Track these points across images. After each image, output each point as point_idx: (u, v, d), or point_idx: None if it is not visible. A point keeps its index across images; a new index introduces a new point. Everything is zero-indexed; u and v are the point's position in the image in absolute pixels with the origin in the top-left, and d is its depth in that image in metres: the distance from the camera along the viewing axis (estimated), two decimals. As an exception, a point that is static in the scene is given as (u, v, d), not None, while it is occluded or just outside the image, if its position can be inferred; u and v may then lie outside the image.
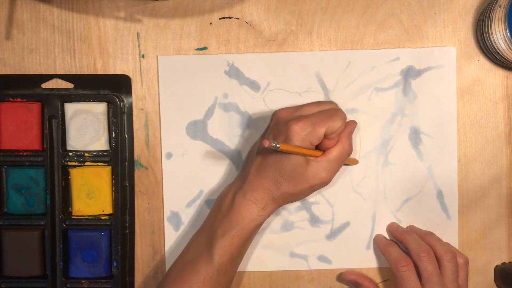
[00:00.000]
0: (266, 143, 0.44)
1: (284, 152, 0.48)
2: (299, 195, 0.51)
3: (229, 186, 0.53)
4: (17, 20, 0.56)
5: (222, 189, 0.55)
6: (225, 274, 0.50)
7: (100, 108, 0.56)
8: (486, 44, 0.54)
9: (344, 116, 0.50)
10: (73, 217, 0.56)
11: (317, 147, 0.51)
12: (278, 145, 0.45)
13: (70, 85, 0.56)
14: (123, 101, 0.56)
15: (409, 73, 0.56)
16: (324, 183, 0.50)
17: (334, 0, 0.56)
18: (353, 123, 0.53)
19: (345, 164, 0.56)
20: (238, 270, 0.57)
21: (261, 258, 0.57)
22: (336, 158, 0.50)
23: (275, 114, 0.52)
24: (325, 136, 0.50)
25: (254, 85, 0.56)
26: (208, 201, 0.57)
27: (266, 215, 0.50)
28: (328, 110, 0.50)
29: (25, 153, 0.56)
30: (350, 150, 0.51)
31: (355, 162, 0.56)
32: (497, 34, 0.51)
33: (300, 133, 0.48)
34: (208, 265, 0.49)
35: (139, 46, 0.56)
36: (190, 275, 0.49)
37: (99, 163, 0.56)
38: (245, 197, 0.50)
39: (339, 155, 0.50)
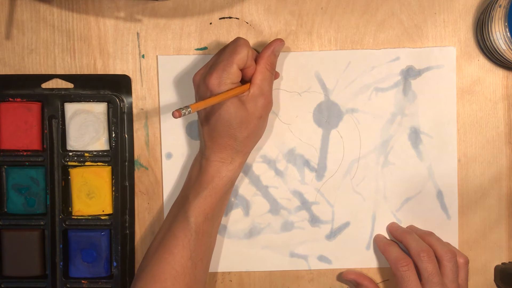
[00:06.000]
0: (176, 115, 0.44)
1: (214, 106, 0.49)
2: (257, 131, 0.52)
3: (195, 160, 0.54)
4: (17, 20, 0.56)
5: None
6: (204, 235, 0.51)
7: (100, 108, 0.56)
8: (486, 44, 0.54)
9: (244, 43, 0.50)
10: (73, 217, 0.56)
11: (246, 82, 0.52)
12: (190, 109, 0.45)
13: (70, 85, 0.56)
14: (123, 101, 0.56)
15: (409, 73, 0.56)
16: (268, 106, 0.52)
17: (334, 0, 0.56)
18: (275, 43, 0.52)
19: None
20: (238, 270, 0.57)
21: (261, 258, 0.57)
22: (262, 80, 0.51)
23: (193, 80, 0.53)
24: (243, 69, 0.50)
25: (254, 85, 0.56)
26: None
27: (235, 169, 0.52)
28: (229, 46, 0.51)
29: (25, 153, 0.55)
30: (270, 65, 0.52)
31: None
32: (497, 34, 0.51)
33: (217, 82, 0.49)
34: (185, 228, 0.50)
35: (139, 46, 0.56)
36: (170, 240, 0.50)
37: (99, 163, 0.56)
38: (210, 160, 0.51)
39: (263, 75, 0.51)
